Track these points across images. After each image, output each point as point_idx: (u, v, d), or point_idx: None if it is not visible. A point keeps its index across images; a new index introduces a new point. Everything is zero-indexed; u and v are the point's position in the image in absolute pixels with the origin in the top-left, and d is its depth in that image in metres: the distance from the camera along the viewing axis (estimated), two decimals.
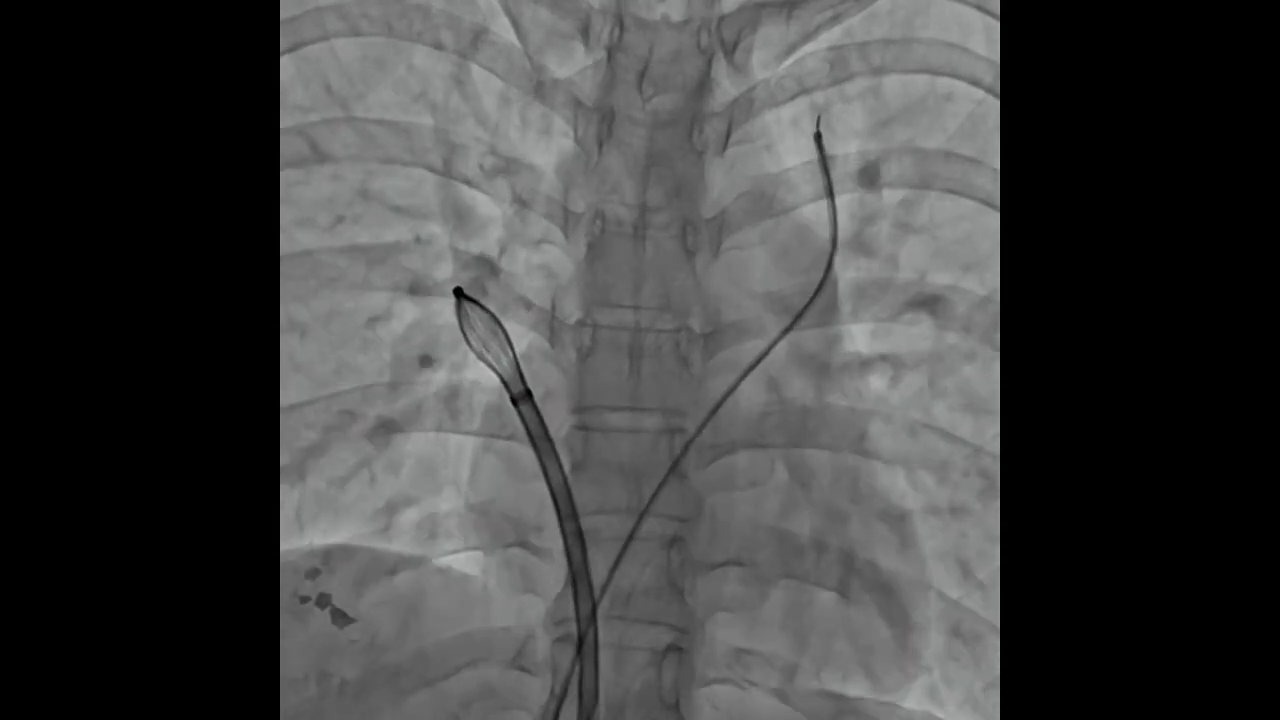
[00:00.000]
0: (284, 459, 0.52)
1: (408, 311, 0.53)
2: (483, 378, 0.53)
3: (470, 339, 0.51)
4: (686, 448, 0.53)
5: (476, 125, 0.54)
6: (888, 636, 0.53)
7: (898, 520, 0.53)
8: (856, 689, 0.52)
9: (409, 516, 0.53)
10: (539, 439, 0.50)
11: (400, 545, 0.53)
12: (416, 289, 0.53)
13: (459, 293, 0.52)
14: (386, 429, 0.53)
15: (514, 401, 0.51)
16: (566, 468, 0.52)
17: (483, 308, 0.51)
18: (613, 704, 0.52)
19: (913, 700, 0.52)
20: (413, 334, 0.53)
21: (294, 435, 0.52)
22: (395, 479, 0.53)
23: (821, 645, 0.53)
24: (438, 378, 0.53)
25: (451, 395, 0.53)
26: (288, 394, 0.52)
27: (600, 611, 0.52)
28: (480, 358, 0.50)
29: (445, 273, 0.53)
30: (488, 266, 0.54)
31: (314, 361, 0.53)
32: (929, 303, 0.54)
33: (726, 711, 0.53)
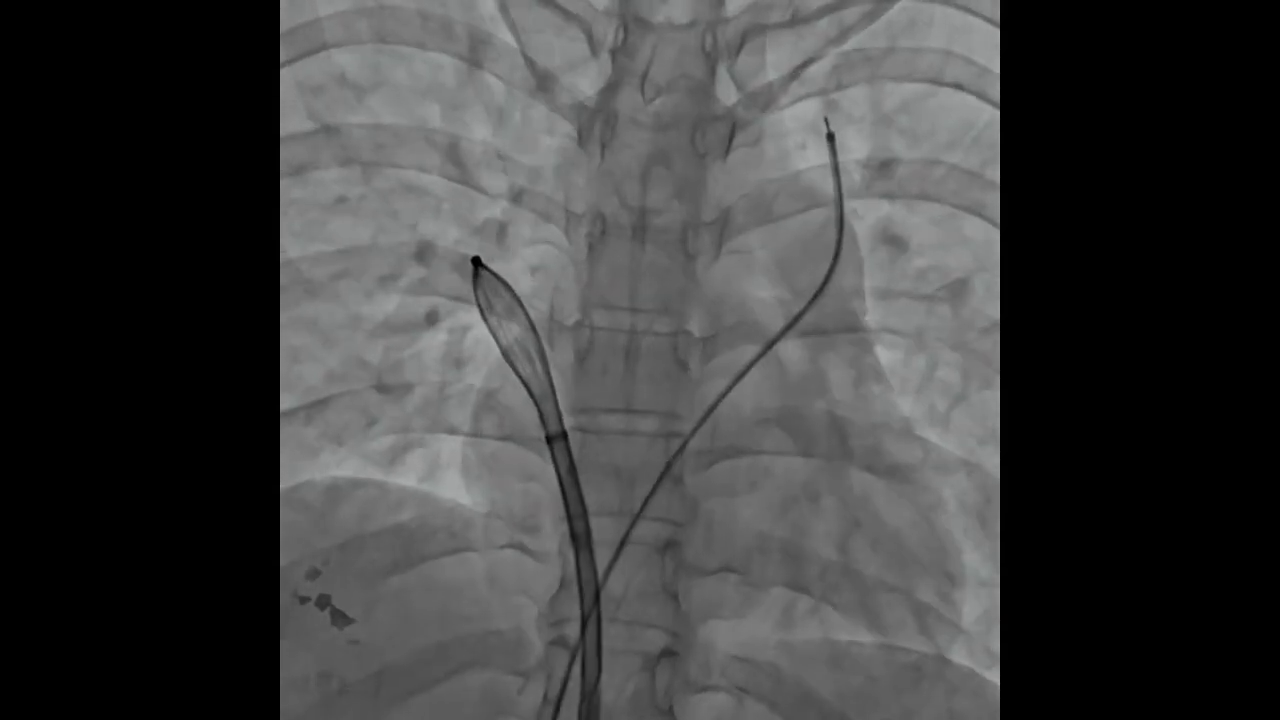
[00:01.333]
0: (286, 406, 0.52)
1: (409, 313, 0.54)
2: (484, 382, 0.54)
3: (488, 317, 0.51)
4: (680, 451, 0.53)
5: (479, 126, 0.54)
6: (890, 581, 0.53)
7: (897, 526, 0.53)
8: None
9: (415, 456, 0.53)
10: (567, 479, 0.51)
11: (404, 479, 0.53)
12: (417, 286, 0.53)
13: (477, 262, 0.52)
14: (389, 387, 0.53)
15: (549, 440, 0.51)
16: (563, 469, 0.52)
17: (499, 279, 0.51)
18: (606, 709, 0.52)
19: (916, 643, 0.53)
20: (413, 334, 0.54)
21: (296, 435, 0.53)
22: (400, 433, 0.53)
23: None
24: (440, 338, 0.53)
25: (453, 349, 0.54)
26: (290, 394, 0.53)
27: (593, 613, 0.52)
28: (515, 371, 0.50)
29: (445, 271, 0.54)
30: (488, 266, 0.54)
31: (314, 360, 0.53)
32: (931, 303, 0.54)
33: (720, 717, 0.53)
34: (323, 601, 0.52)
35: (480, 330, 0.53)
